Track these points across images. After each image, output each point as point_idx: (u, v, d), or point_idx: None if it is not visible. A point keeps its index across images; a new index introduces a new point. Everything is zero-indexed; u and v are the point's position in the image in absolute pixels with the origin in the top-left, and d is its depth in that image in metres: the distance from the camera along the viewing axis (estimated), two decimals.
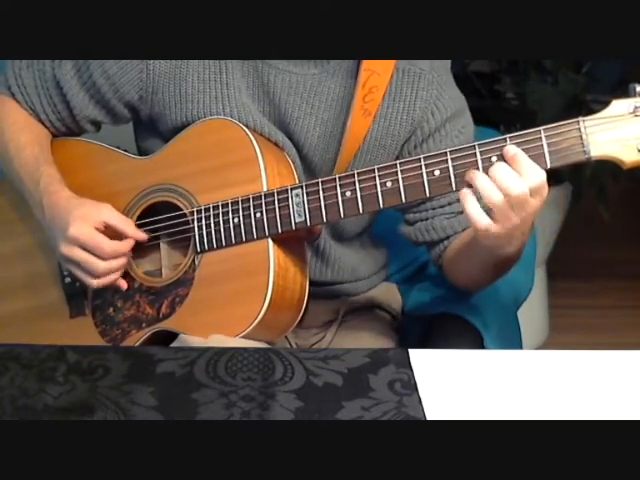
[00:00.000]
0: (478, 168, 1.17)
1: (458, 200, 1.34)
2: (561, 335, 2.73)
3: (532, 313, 2.52)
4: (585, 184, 2.45)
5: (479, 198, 1.16)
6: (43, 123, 1.44)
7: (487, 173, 1.15)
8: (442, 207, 1.37)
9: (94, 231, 1.30)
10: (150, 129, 1.41)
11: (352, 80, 1.36)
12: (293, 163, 1.36)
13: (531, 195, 1.15)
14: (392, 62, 1.35)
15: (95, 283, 1.32)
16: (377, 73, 1.34)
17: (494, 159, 1.16)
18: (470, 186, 1.16)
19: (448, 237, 1.38)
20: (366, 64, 1.34)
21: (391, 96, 1.36)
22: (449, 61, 1.42)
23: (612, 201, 2.51)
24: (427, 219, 1.38)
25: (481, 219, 1.16)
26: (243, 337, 1.27)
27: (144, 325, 1.35)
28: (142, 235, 1.34)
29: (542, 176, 1.15)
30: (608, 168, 2.38)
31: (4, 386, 1.10)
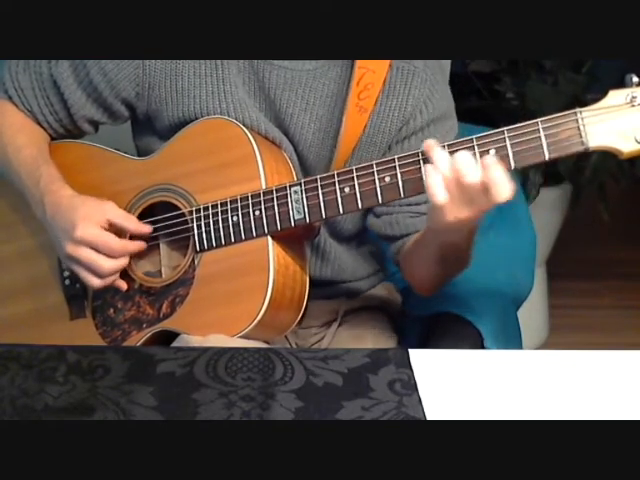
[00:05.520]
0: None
1: (424, 202, 1.35)
2: (561, 335, 2.73)
3: (532, 313, 2.52)
4: (585, 184, 2.46)
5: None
6: (41, 125, 1.44)
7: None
8: (409, 205, 1.37)
9: (101, 230, 1.30)
10: (147, 127, 1.41)
11: (347, 76, 1.36)
12: (290, 160, 1.36)
13: (486, 193, 1.13)
14: (386, 60, 1.36)
15: (98, 283, 1.32)
16: (372, 70, 1.34)
17: (492, 152, 1.16)
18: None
19: (409, 234, 1.38)
20: (360, 61, 1.34)
21: (384, 93, 1.36)
22: (445, 62, 1.42)
23: (612, 201, 2.52)
24: (392, 214, 1.38)
25: (439, 192, 1.14)
26: (244, 335, 1.27)
27: (145, 326, 1.35)
28: (145, 228, 1.34)
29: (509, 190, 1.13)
30: (608, 168, 2.40)
31: (4, 386, 1.10)
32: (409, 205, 1.37)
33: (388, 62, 1.36)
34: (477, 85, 2.55)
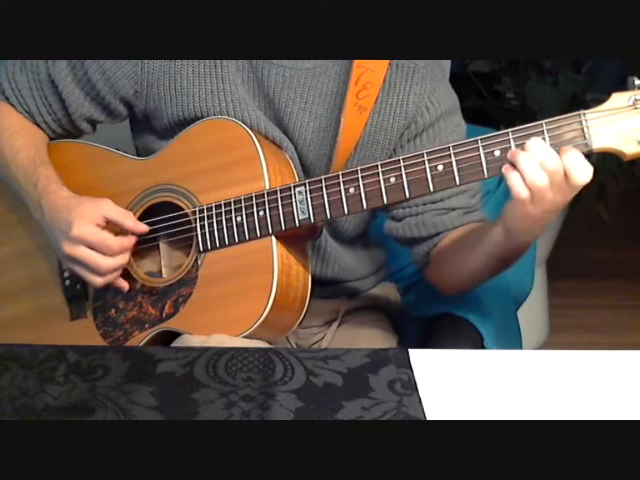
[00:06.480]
0: (481, 162, 1.17)
1: (449, 197, 1.35)
2: (561, 335, 2.73)
3: (532, 313, 2.52)
4: (585, 184, 2.45)
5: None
6: (39, 125, 1.43)
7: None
8: (434, 203, 1.36)
9: (97, 228, 1.29)
10: (146, 126, 1.41)
11: (346, 75, 1.36)
12: (292, 160, 1.36)
13: (567, 178, 1.14)
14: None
15: (100, 281, 1.31)
16: (371, 69, 1.34)
17: (497, 153, 1.16)
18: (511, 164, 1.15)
19: (438, 234, 1.37)
20: (358, 60, 1.34)
21: (385, 91, 1.36)
22: (445, 62, 1.41)
23: (612, 201, 2.51)
24: (417, 214, 1.37)
25: (522, 191, 1.14)
26: (248, 335, 1.27)
27: (147, 326, 1.35)
28: (142, 227, 1.34)
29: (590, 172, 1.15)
30: (608, 168, 2.39)
31: (4, 386, 1.10)
32: (434, 203, 1.36)
33: (387, 64, 1.35)
34: (477, 85, 2.55)
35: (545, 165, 1.13)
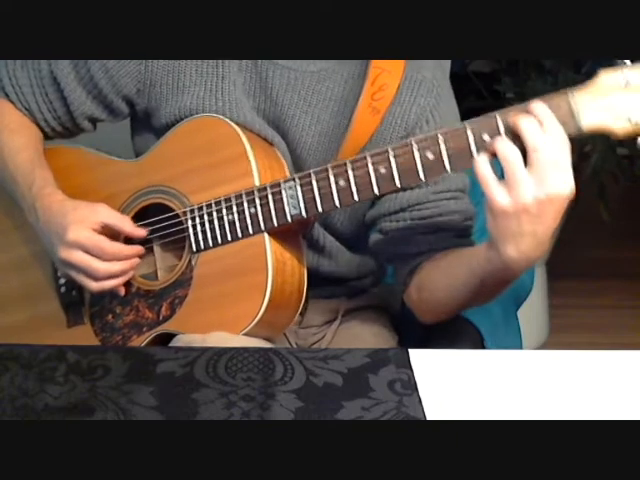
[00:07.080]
0: (470, 147, 1.15)
1: (439, 215, 1.33)
2: (561, 335, 2.73)
3: (532, 313, 2.52)
4: (585, 184, 2.46)
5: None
6: (38, 123, 1.43)
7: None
8: (423, 219, 1.34)
9: (93, 233, 1.29)
10: (145, 124, 1.41)
11: (354, 80, 1.35)
12: (284, 157, 1.35)
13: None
14: (401, 61, 1.35)
15: (95, 286, 1.31)
16: (387, 71, 1.33)
17: (486, 138, 1.15)
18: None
19: (422, 253, 1.34)
20: (375, 61, 1.33)
21: (391, 100, 1.35)
22: (445, 62, 1.41)
23: (612, 201, 2.52)
24: (405, 229, 1.35)
25: (496, 190, 1.11)
26: (245, 334, 1.27)
27: (145, 329, 1.34)
28: (140, 232, 1.33)
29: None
30: (608, 168, 2.40)
31: (4, 386, 1.10)
32: (423, 219, 1.34)
33: (402, 64, 1.34)
34: (477, 85, 2.55)
35: (536, 146, 1.10)
